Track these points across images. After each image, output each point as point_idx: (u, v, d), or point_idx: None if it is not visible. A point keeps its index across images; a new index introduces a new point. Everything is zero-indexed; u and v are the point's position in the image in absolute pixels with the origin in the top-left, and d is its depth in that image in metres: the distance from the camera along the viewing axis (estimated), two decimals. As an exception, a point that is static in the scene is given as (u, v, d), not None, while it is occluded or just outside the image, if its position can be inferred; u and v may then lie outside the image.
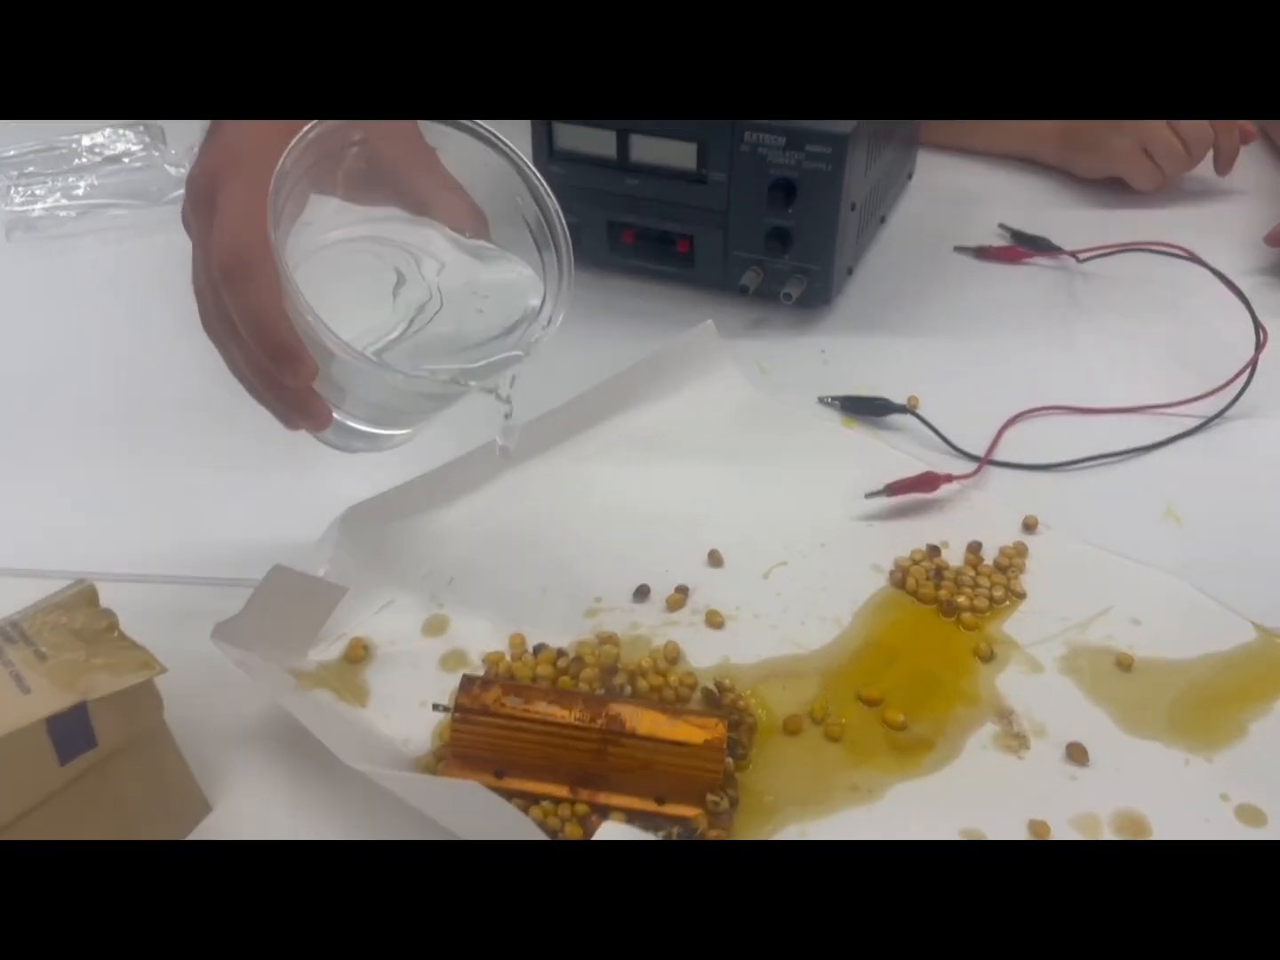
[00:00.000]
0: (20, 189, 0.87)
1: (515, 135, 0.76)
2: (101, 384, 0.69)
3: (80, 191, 0.88)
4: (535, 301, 0.45)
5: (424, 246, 0.46)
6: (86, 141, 0.94)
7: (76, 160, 0.92)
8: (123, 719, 0.40)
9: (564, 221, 0.45)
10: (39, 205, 0.86)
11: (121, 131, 0.95)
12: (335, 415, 0.45)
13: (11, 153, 0.93)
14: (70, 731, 0.38)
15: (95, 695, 0.38)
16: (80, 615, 0.42)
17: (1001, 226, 0.84)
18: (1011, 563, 0.55)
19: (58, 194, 0.87)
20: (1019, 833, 0.43)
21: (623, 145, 0.72)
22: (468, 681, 0.45)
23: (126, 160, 0.92)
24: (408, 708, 0.48)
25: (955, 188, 0.90)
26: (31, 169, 0.90)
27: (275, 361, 0.42)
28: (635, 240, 0.76)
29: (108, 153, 0.93)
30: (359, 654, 0.50)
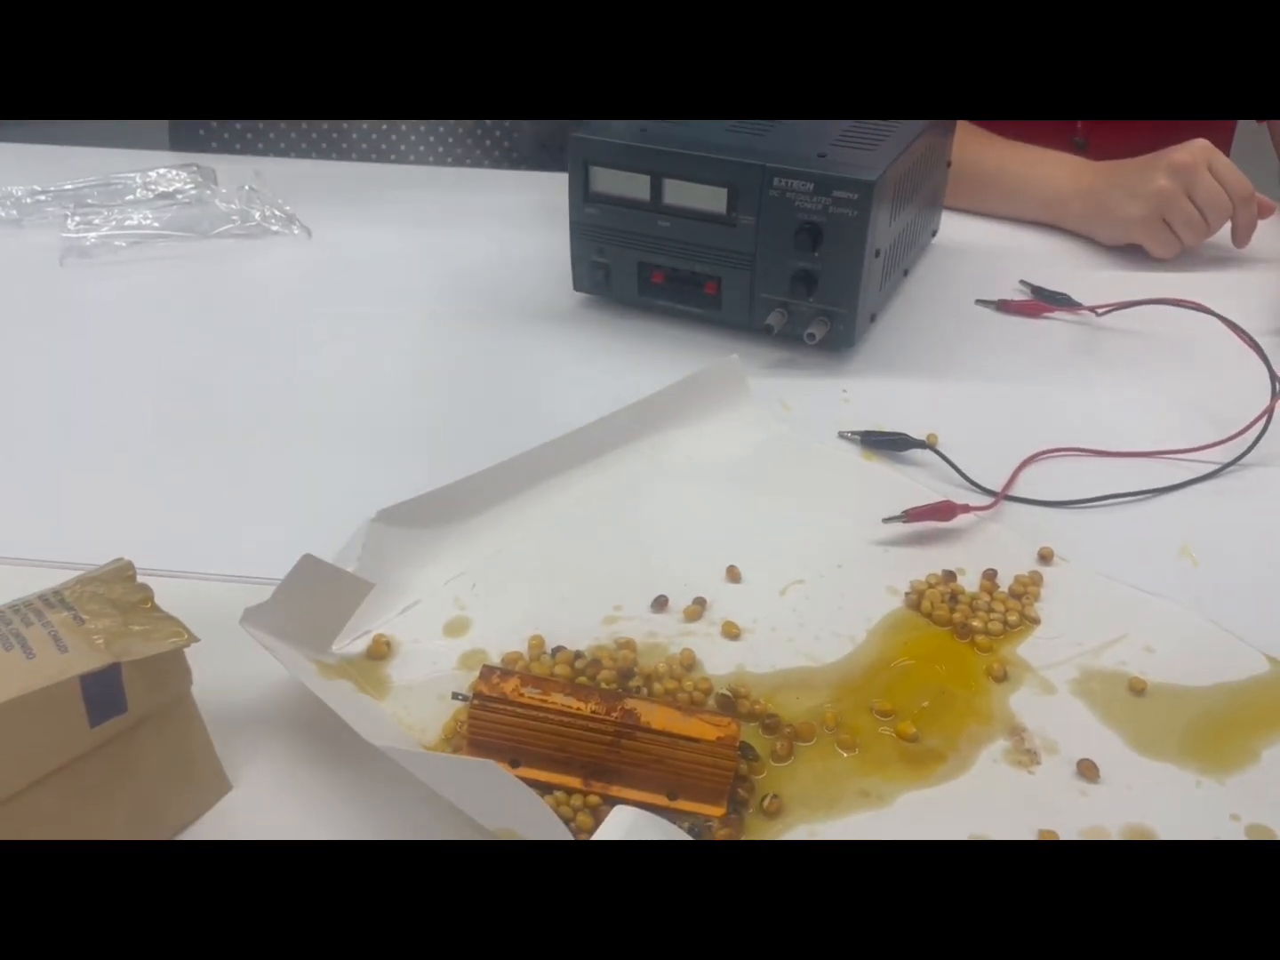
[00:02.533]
0: (77, 218, 0.91)
1: (555, 181, 0.80)
2: (145, 398, 0.72)
3: (134, 223, 0.92)
4: None
5: None
6: (141, 178, 0.98)
7: (131, 195, 0.96)
8: (153, 686, 0.41)
9: None
10: (93, 234, 0.90)
11: (176, 171, 0.99)
12: None
13: (70, 186, 0.97)
14: (103, 692, 0.39)
15: (129, 658, 0.39)
16: (118, 588, 0.43)
17: (1022, 283, 0.86)
18: (1026, 590, 0.55)
19: (112, 224, 0.91)
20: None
21: (656, 189, 0.75)
22: (487, 671, 0.46)
23: (179, 197, 0.96)
24: (426, 701, 0.49)
25: (978, 246, 0.93)
26: (90, 201, 0.94)
27: None
28: (665, 281, 0.79)
29: (162, 189, 0.97)
30: (382, 650, 0.51)
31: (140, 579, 0.45)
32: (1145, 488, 0.64)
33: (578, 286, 0.82)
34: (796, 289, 0.74)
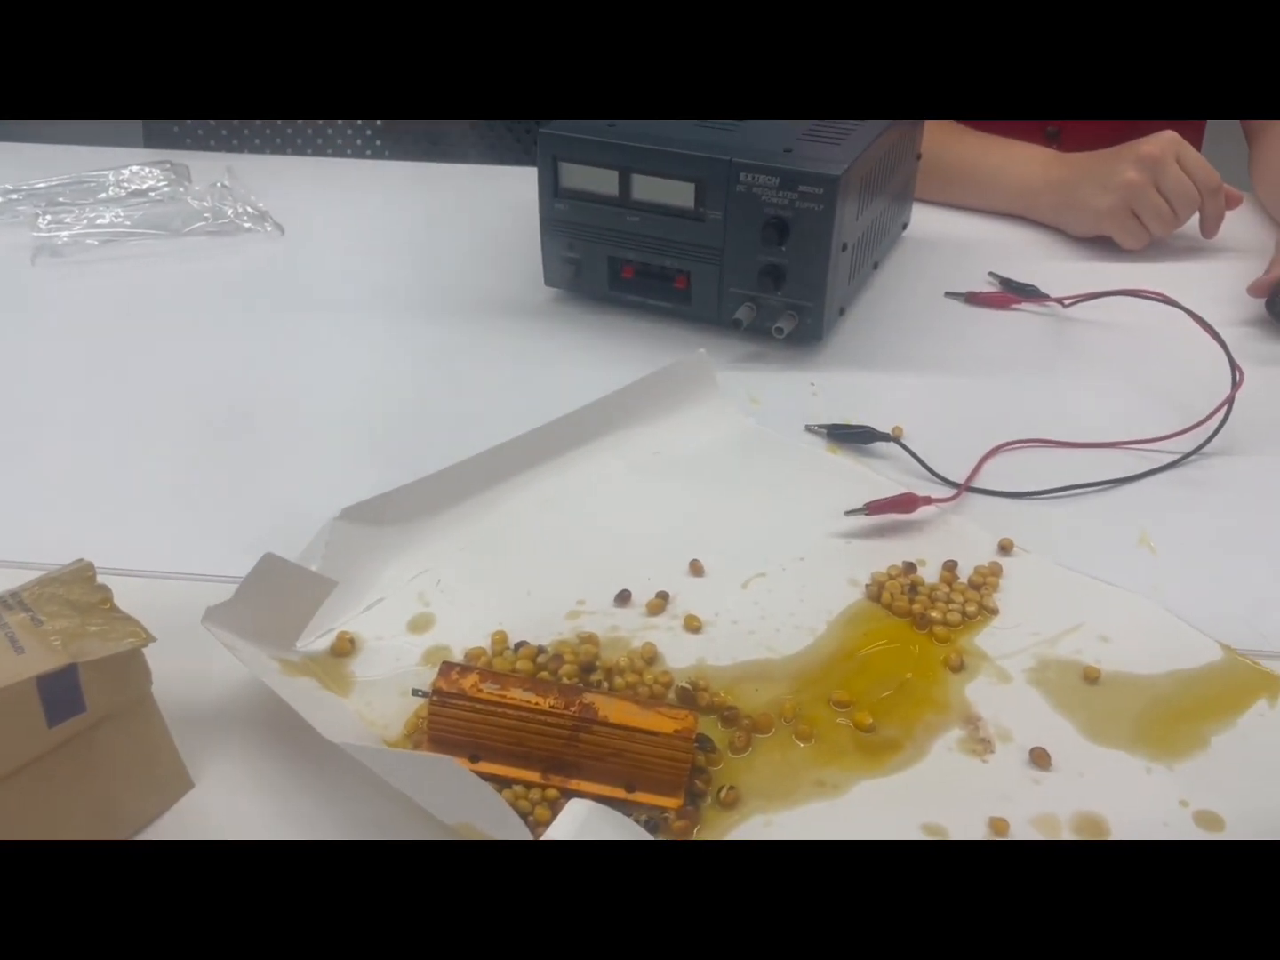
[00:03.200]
0: (48, 217, 0.91)
1: (526, 176, 0.80)
2: (112, 396, 0.72)
3: (106, 221, 0.92)
4: None
5: None
6: (114, 176, 0.98)
7: (103, 193, 0.96)
8: (112, 686, 0.41)
9: None
10: (65, 233, 0.90)
11: (148, 169, 0.99)
12: None
13: (41, 184, 0.97)
14: (60, 693, 0.40)
15: (86, 658, 0.40)
16: (77, 589, 0.44)
17: (991, 275, 0.87)
18: (985, 581, 0.56)
19: (84, 222, 0.91)
20: (979, 829, 0.44)
21: (624, 184, 0.75)
22: (447, 667, 0.46)
23: (152, 194, 0.96)
24: (389, 697, 0.49)
25: (948, 239, 0.93)
26: (62, 199, 0.94)
27: None
28: (635, 276, 0.79)
29: (134, 186, 0.97)
30: (345, 648, 0.52)
31: (102, 578, 0.45)
32: (1107, 478, 0.64)
33: (548, 281, 0.82)
34: (765, 283, 0.75)
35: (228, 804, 0.45)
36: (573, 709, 0.45)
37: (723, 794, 0.45)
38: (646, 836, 0.41)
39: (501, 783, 0.45)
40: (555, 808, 0.44)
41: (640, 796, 0.45)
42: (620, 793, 0.45)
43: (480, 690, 0.45)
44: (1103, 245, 0.91)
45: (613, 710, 0.45)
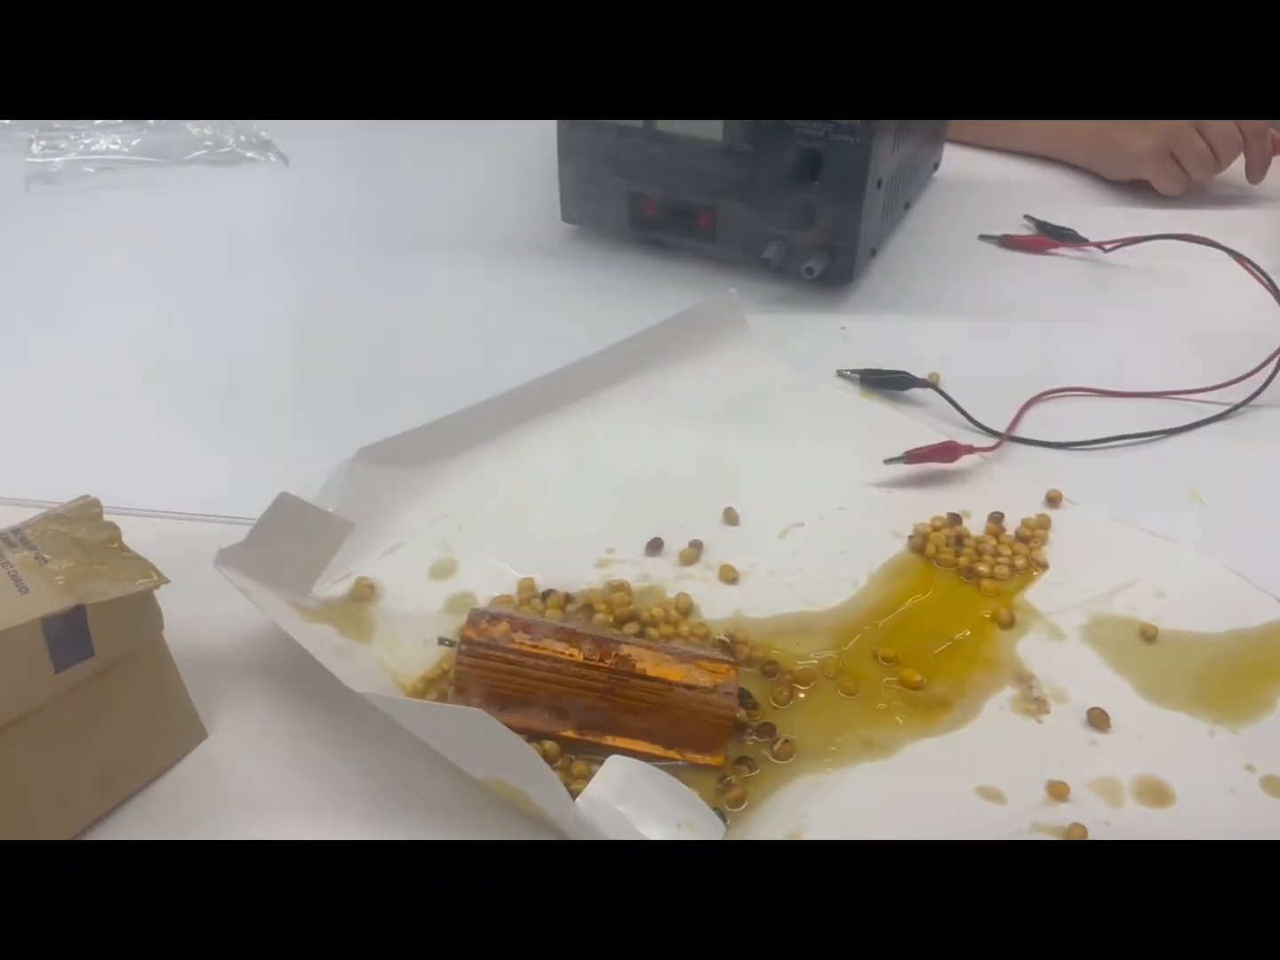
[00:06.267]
0: (42, 143, 0.87)
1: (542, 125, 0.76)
2: (115, 331, 0.69)
3: (102, 148, 0.88)
4: None
5: None
6: (110, 101, 0.93)
7: (99, 119, 0.92)
8: (122, 629, 0.39)
9: None
10: (60, 159, 0.86)
11: (146, 95, 0.95)
12: None
13: (35, 109, 0.92)
14: (67, 636, 0.37)
15: (94, 600, 0.37)
16: (83, 526, 0.41)
17: (1027, 218, 0.83)
18: (1034, 534, 0.54)
19: (79, 149, 0.87)
20: (1037, 793, 0.42)
21: (649, 114, 0.72)
22: (475, 615, 0.43)
23: (150, 120, 0.92)
24: (411, 645, 0.47)
25: (981, 180, 0.90)
26: (56, 125, 0.90)
27: None
28: (657, 212, 0.76)
29: (131, 113, 0.92)
30: (365, 593, 0.49)
31: (108, 518, 0.42)
32: (1154, 429, 0.62)
33: (565, 218, 0.78)
34: (795, 220, 0.71)
35: (243, 755, 0.43)
36: (609, 661, 0.43)
37: (777, 747, 0.43)
38: (692, 795, 0.38)
39: (533, 737, 0.43)
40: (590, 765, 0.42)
41: (680, 754, 0.43)
42: (659, 749, 0.43)
43: (512, 640, 0.43)
44: (1140, 190, 0.88)
45: (650, 663, 0.43)
